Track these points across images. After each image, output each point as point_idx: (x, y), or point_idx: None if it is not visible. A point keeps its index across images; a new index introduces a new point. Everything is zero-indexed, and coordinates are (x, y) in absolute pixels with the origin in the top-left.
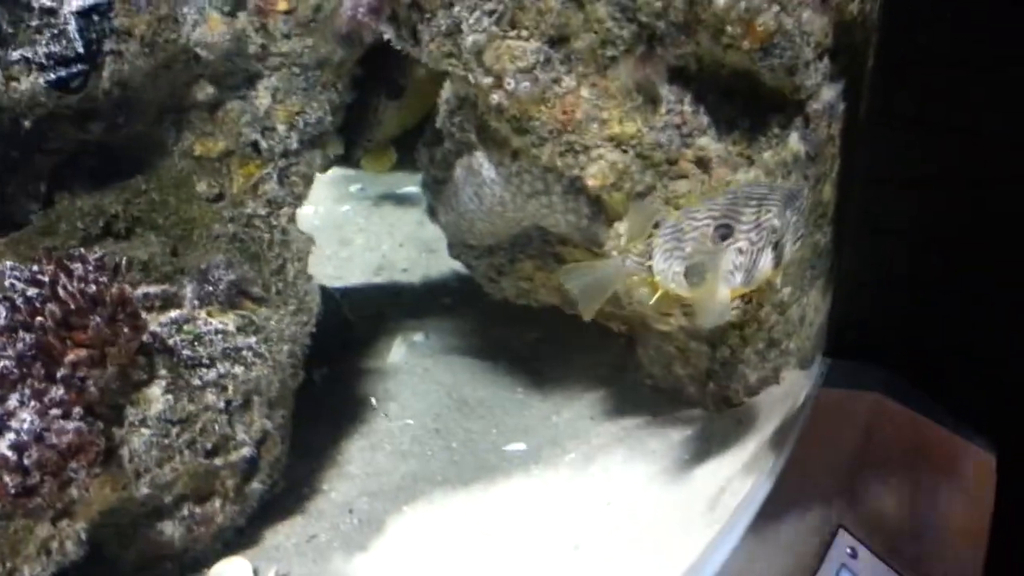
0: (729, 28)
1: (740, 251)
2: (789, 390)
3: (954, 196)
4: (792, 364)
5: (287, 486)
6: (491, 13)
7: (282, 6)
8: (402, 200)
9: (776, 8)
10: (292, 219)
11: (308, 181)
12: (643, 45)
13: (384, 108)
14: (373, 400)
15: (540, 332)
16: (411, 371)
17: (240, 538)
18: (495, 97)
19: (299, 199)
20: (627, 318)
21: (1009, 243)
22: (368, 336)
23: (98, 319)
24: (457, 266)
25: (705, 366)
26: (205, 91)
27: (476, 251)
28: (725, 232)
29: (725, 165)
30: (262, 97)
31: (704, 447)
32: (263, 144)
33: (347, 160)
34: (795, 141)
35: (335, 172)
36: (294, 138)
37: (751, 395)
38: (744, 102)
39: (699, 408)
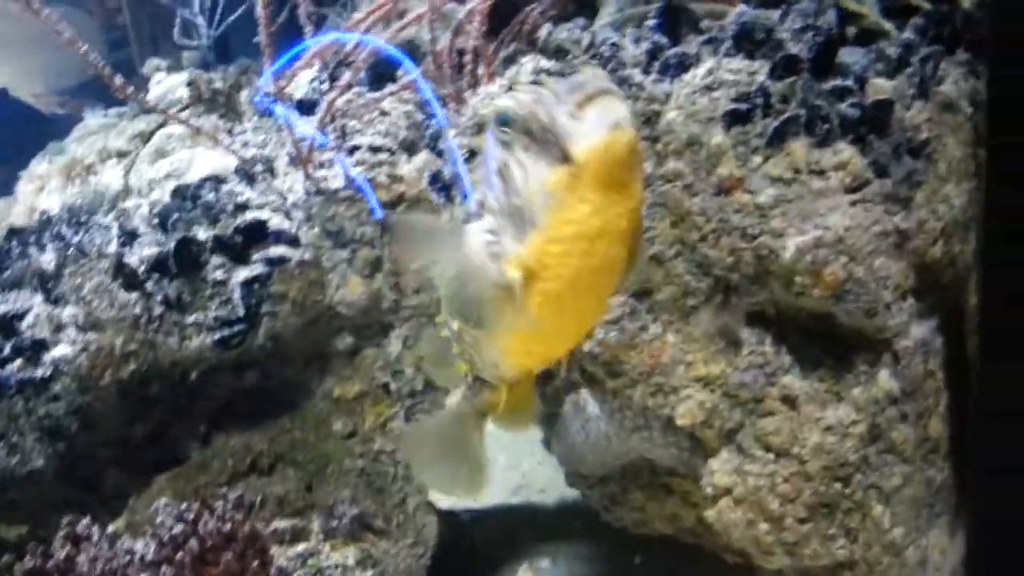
0: (798, 279)
1: None
2: None
3: None
4: None
5: None
6: None
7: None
8: (549, 420)
9: (844, 259)
10: None
11: None
12: (720, 295)
13: None
14: None
15: (671, 562)
16: None
17: None
18: (588, 344)
19: None
20: (739, 550)
21: None
22: (495, 560)
23: (229, 555)
24: None
25: None
26: (345, 341)
27: (589, 480)
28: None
29: (813, 402)
30: (394, 344)
31: None
32: (393, 386)
33: None
34: (886, 378)
35: None
36: (420, 380)
37: None
38: (827, 341)
39: None
